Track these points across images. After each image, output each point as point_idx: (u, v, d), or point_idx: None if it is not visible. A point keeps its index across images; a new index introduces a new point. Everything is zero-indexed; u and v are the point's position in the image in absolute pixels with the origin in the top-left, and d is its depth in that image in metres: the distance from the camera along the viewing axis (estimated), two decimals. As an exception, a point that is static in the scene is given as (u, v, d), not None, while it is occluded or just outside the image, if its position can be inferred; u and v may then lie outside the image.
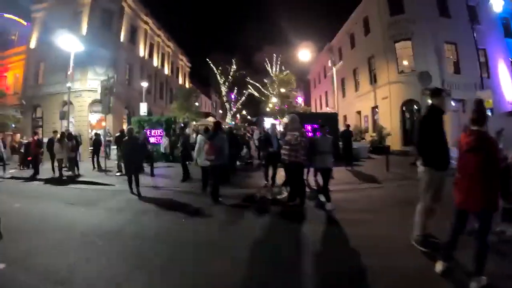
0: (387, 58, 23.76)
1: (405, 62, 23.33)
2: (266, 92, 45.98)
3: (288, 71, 40.63)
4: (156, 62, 37.07)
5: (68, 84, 16.14)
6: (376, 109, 25.78)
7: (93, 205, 7.82)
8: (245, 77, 53.40)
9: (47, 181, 12.11)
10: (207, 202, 7.70)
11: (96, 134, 15.07)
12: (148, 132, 15.23)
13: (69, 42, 16.44)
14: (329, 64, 30.87)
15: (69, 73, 16.11)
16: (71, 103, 23.51)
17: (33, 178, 12.79)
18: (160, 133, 15.68)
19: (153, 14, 34.38)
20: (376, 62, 25.71)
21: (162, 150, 15.59)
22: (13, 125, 26.31)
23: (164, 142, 15.51)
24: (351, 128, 15.54)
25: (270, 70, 47.25)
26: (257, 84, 49.27)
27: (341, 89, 32.80)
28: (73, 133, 14.57)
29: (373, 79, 26.30)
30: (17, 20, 32.49)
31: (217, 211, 7.05)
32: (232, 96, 62.83)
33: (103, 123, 22.17)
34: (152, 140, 15.35)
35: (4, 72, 31.34)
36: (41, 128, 25.69)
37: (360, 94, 28.72)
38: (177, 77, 46.53)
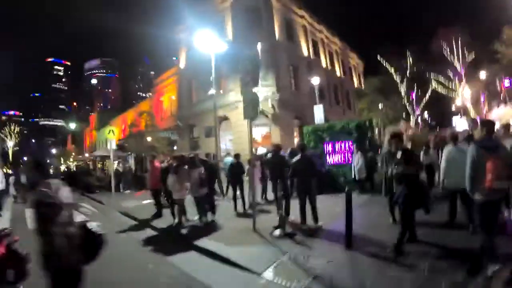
0: None
1: None
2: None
3: None
4: (324, 62, 31.83)
5: (211, 91, 12.09)
6: None
7: None
8: (425, 71, 42.11)
9: (158, 236, 7.57)
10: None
11: (235, 156, 9.85)
12: (329, 147, 9.07)
13: (210, 42, 12.88)
14: None
15: (211, 78, 12.07)
16: (227, 118, 20.57)
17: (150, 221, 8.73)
18: (349, 147, 9.31)
19: (308, 6, 29.85)
20: None
21: (355, 174, 9.10)
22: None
23: (357, 161, 9.00)
24: None
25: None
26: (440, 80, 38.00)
27: None
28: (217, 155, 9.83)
29: None
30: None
31: None
32: (413, 96, 51.52)
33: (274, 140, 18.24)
34: (335, 159, 9.18)
35: (160, 96, 32.71)
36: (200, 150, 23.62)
37: None
38: (351, 79, 40.48)
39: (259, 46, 20.20)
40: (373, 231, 5.60)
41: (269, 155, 8.63)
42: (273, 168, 7.37)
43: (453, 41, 36.19)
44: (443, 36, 36.89)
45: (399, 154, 4.87)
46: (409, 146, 8.75)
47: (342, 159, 9.80)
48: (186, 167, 7.72)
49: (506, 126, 6.10)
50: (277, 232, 6.27)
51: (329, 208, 7.24)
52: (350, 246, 5.10)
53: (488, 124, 4.39)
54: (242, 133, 20.41)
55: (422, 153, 8.74)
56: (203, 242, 6.23)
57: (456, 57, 36.51)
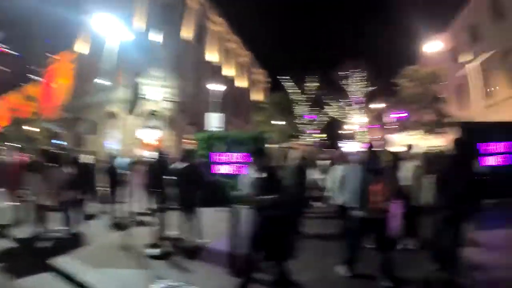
0: None
1: None
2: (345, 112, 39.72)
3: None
4: (230, 72, 31.99)
5: (98, 79, 10.77)
6: None
7: None
8: (324, 95, 45.93)
9: (13, 250, 5.90)
10: None
11: (112, 157, 8.80)
12: (220, 156, 8.63)
13: (111, 29, 11.75)
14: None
15: (103, 68, 10.88)
16: (116, 115, 19.22)
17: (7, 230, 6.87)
18: (241, 158, 9.00)
19: (225, 15, 30.35)
20: None
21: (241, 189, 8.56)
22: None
23: (250, 174, 8.60)
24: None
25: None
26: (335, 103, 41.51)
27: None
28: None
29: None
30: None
31: None
32: (309, 118, 55.42)
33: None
34: (225, 169, 8.76)
35: (51, 81, 28.85)
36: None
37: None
38: (255, 94, 42.15)
39: (163, 41, 19.10)
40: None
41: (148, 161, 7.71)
42: (152, 174, 6.49)
43: (354, 73, 39.64)
44: (345, 68, 40.32)
45: (262, 175, 4.01)
46: (299, 161, 8.69)
47: (233, 170, 9.41)
48: (56, 165, 6.30)
49: (408, 148, 6.40)
50: (153, 251, 5.38)
51: (215, 223, 6.58)
52: (234, 272, 4.49)
53: (371, 149, 4.90)
54: (131, 132, 19.15)
55: (317, 170, 8.89)
56: (63, 261, 5.07)
57: (354, 87, 40.08)
